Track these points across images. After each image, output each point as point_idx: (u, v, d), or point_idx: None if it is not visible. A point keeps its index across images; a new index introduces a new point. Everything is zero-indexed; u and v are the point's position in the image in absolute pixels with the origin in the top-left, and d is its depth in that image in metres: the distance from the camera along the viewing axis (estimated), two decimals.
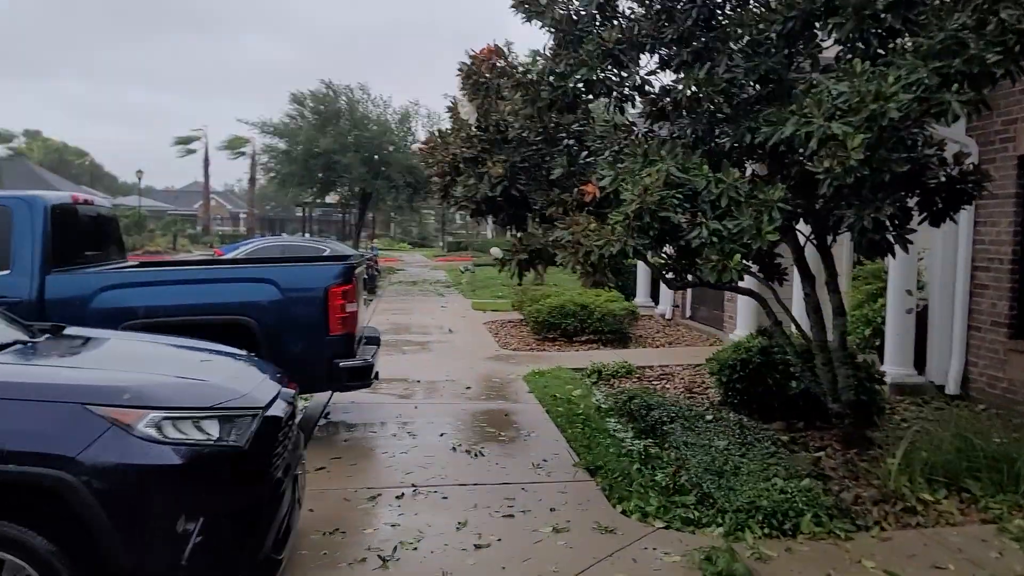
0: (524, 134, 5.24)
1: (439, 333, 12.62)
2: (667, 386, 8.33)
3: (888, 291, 7.82)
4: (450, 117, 5.45)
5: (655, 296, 15.91)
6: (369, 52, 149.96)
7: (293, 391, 4.00)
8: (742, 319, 10.56)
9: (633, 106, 5.35)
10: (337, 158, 27.04)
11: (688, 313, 13.57)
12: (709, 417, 6.33)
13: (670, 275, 5.37)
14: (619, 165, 4.54)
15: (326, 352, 5.72)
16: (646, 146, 4.41)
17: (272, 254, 19.00)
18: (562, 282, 23.63)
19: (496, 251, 5.43)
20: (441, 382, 8.56)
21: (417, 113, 30.09)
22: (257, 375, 3.78)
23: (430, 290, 21.38)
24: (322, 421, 6.76)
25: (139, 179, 45.55)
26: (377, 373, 6.49)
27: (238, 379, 3.58)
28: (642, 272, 15.83)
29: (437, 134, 5.44)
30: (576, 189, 4.82)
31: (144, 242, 42.54)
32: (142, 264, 7.07)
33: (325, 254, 18.94)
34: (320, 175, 29.00)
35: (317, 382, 5.84)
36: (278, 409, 3.47)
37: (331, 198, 36.66)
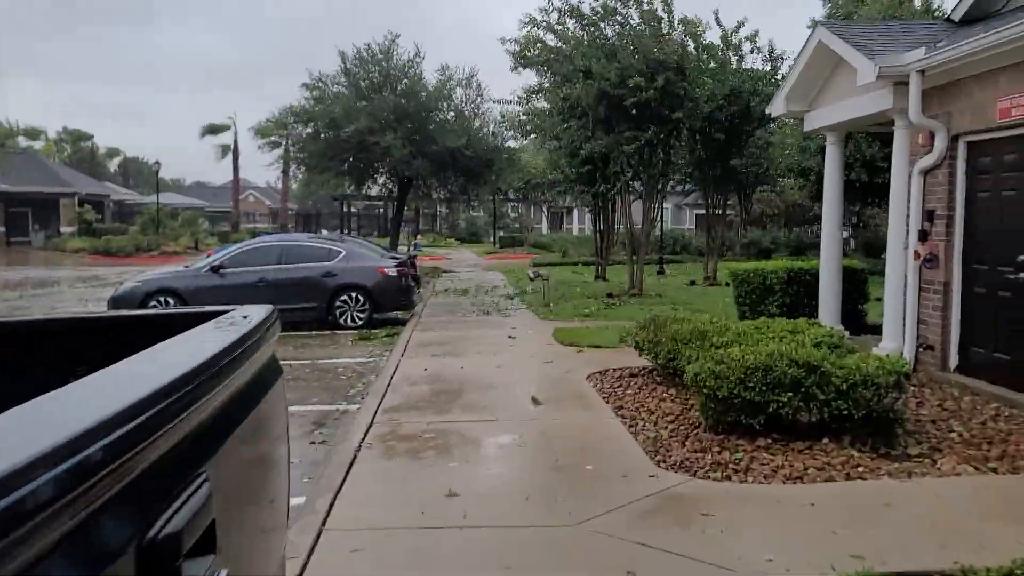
0: None
1: (515, 405, 6.99)
2: None
3: None
4: None
5: (853, 322, 9.96)
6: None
7: None
8: None
9: None
10: (374, 139, 20.97)
11: (956, 361, 7.63)
12: None
13: None
14: None
15: None
16: None
17: (268, 258, 13.62)
18: (666, 290, 16.79)
19: None
20: None
21: (451, 78, 23.61)
22: None
23: (487, 303, 15.69)
24: None
25: (156, 171, 40.75)
26: None
27: None
28: (828, 278, 9.91)
29: None
30: None
31: (160, 242, 37.93)
32: None
33: (337, 259, 13.48)
34: (352, 160, 23.02)
35: None
36: None
37: (374, 189, 30.37)
